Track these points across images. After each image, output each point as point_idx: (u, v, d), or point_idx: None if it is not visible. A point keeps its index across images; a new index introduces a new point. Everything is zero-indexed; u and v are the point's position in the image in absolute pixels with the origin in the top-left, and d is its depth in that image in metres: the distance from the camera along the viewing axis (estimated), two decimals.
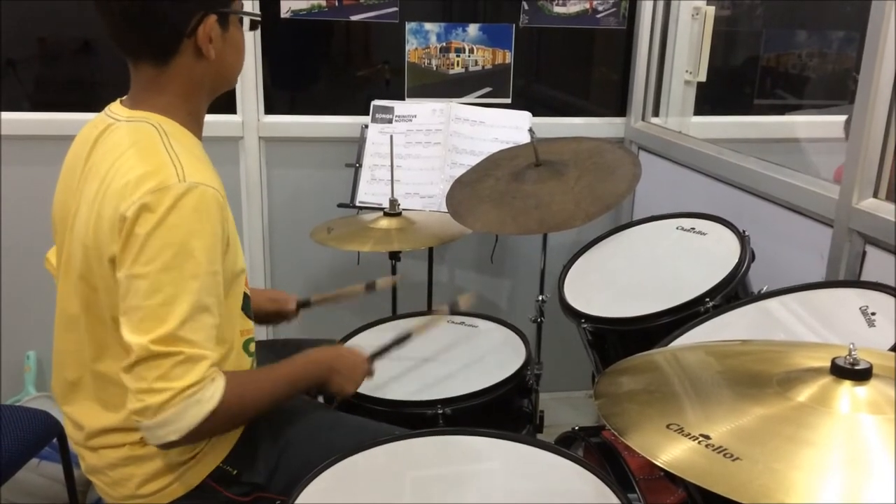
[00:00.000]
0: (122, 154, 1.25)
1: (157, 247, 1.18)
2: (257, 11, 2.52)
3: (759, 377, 1.01)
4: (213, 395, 1.20)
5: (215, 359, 1.22)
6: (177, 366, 1.17)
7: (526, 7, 2.68)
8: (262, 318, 1.77)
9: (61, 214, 1.39)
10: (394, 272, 2.37)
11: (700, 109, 2.74)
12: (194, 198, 1.20)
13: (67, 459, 1.95)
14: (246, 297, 1.42)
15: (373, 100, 2.58)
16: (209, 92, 1.38)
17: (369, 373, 1.55)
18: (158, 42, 1.29)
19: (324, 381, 1.47)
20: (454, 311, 1.88)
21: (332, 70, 2.78)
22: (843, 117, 1.77)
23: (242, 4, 1.39)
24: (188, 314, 1.19)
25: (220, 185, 1.27)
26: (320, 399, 1.74)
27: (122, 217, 1.19)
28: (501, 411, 1.75)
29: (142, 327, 1.18)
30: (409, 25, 2.64)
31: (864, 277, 1.65)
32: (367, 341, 1.95)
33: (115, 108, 1.37)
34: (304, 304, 1.84)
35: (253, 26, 1.42)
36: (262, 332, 2.64)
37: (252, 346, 1.47)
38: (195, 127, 1.37)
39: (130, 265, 1.18)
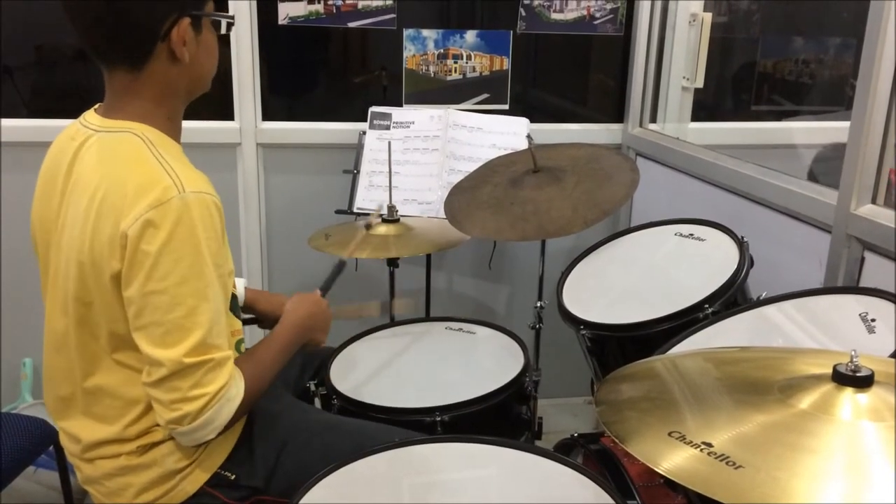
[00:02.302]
0: (113, 167, 1.24)
1: (170, 262, 1.19)
2: (253, 16, 2.52)
3: (759, 384, 1.00)
4: (238, 390, 1.28)
5: (232, 355, 1.28)
6: (208, 372, 1.22)
7: (523, 14, 2.68)
8: (274, 323, 1.77)
9: (42, 229, 1.38)
10: (392, 278, 2.37)
11: (697, 115, 2.74)
12: (197, 208, 1.21)
13: (64, 467, 1.95)
14: (234, 297, 1.42)
15: (370, 106, 2.58)
16: (185, 96, 1.37)
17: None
18: (132, 47, 1.27)
19: (307, 340, 1.55)
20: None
21: (329, 76, 2.78)
22: (841, 123, 1.76)
23: (213, 6, 1.37)
24: (211, 320, 1.22)
25: (212, 188, 1.27)
26: (317, 402, 1.74)
27: (123, 234, 1.18)
28: (500, 418, 1.75)
29: (168, 341, 1.20)
30: (407, 32, 2.65)
31: (862, 283, 1.65)
32: (363, 350, 1.95)
33: (91, 117, 1.35)
34: None
35: (228, 28, 1.40)
36: (259, 333, 2.63)
37: (242, 347, 1.47)
38: (174, 132, 1.36)
39: (144, 282, 1.19)
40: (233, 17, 1.41)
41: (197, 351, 1.21)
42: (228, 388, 1.25)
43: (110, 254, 1.20)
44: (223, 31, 1.39)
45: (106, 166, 1.25)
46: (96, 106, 1.37)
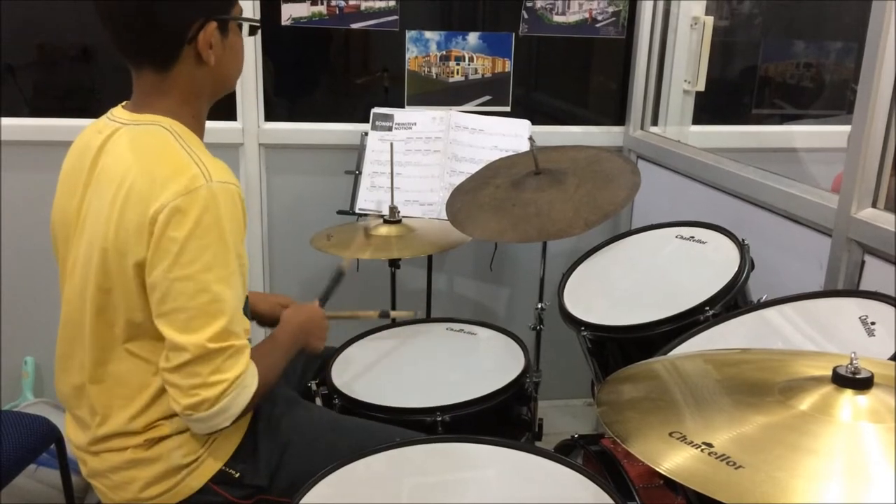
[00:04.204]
0: (139, 156, 1.26)
1: (196, 248, 1.21)
2: (256, 17, 2.52)
3: (760, 385, 1.01)
4: (253, 379, 1.30)
5: (248, 345, 1.29)
6: (228, 358, 1.24)
7: (525, 16, 2.69)
8: (273, 323, 1.78)
9: (63, 221, 1.39)
10: (393, 279, 2.38)
11: (698, 119, 2.75)
12: (223, 197, 1.23)
13: (65, 465, 1.95)
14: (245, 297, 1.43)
15: (373, 107, 2.59)
16: (210, 96, 1.40)
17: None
18: (159, 49, 1.30)
19: (305, 343, 1.56)
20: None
21: (332, 77, 2.78)
22: (842, 127, 1.78)
23: (241, 10, 1.40)
24: (234, 308, 1.25)
25: (237, 180, 1.30)
26: (318, 401, 1.75)
27: (151, 220, 1.21)
28: (500, 419, 1.75)
29: (192, 326, 1.22)
30: (410, 33, 2.65)
31: (862, 287, 1.65)
32: (365, 350, 1.95)
33: (119, 112, 1.38)
34: None
35: (252, 31, 1.43)
36: (259, 335, 2.63)
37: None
38: (198, 129, 1.39)
39: (170, 268, 1.21)
40: (258, 21, 1.44)
41: (220, 337, 1.22)
42: (245, 376, 1.27)
43: (136, 241, 1.22)
44: (247, 34, 1.41)
45: (134, 156, 1.27)
46: (124, 103, 1.40)
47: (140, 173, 1.24)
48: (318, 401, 1.76)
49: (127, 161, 1.27)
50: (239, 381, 1.25)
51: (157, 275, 1.22)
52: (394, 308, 2.41)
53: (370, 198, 2.49)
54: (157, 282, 1.22)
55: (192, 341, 1.21)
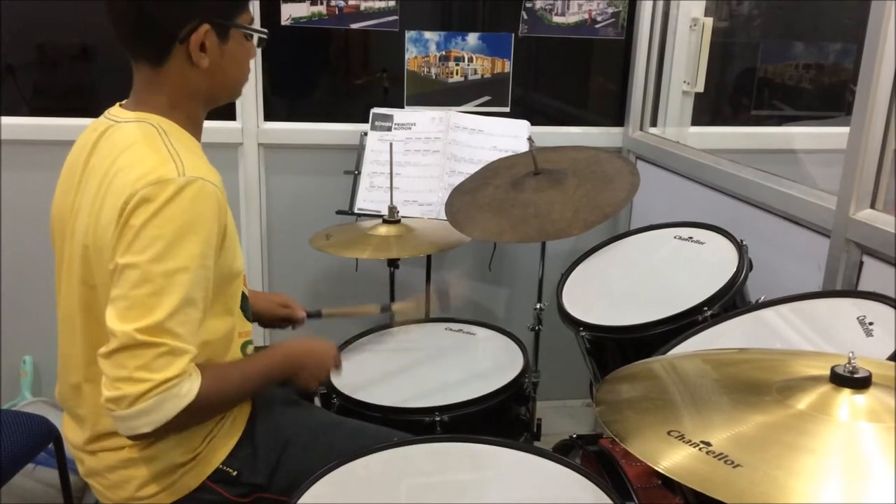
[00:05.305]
0: (123, 152, 1.26)
1: (150, 237, 1.18)
2: (257, 21, 2.52)
3: (758, 385, 1.01)
4: (189, 390, 1.20)
5: (195, 354, 1.22)
6: (159, 357, 1.16)
7: (525, 16, 2.69)
8: (270, 322, 1.78)
9: (59, 219, 1.39)
10: (392, 280, 2.38)
11: (698, 120, 2.75)
12: (193, 191, 1.21)
13: (63, 464, 1.95)
14: (244, 297, 1.42)
15: (372, 107, 2.59)
16: (206, 99, 1.39)
17: (337, 365, 1.58)
18: (151, 44, 1.31)
19: (292, 376, 1.48)
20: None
21: (331, 77, 2.78)
22: (841, 129, 1.78)
23: (252, 20, 1.38)
24: (177, 307, 1.18)
25: (219, 181, 1.28)
26: (317, 401, 1.75)
27: (121, 211, 1.20)
28: (499, 419, 1.75)
29: (128, 315, 1.16)
30: (409, 34, 2.65)
31: (861, 288, 1.65)
32: (364, 349, 1.95)
33: (115, 111, 1.38)
34: (314, 315, 1.84)
35: (260, 43, 1.41)
36: (259, 338, 2.64)
37: (250, 349, 1.47)
38: (194, 131, 1.38)
39: (122, 254, 1.19)
40: (266, 32, 1.41)
41: (151, 331, 1.16)
42: (178, 383, 1.17)
43: (110, 234, 1.21)
44: (255, 44, 1.40)
45: (117, 153, 1.27)
46: (122, 101, 1.40)
47: (119, 170, 1.24)
48: (317, 400, 1.76)
49: (110, 158, 1.27)
50: (168, 385, 1.16)
51: (113, 261, 1.20)
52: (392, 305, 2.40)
53: (369, 198, 2.49)
54: (112, 267, 1.20)
55: (122, 329, 1.15)
